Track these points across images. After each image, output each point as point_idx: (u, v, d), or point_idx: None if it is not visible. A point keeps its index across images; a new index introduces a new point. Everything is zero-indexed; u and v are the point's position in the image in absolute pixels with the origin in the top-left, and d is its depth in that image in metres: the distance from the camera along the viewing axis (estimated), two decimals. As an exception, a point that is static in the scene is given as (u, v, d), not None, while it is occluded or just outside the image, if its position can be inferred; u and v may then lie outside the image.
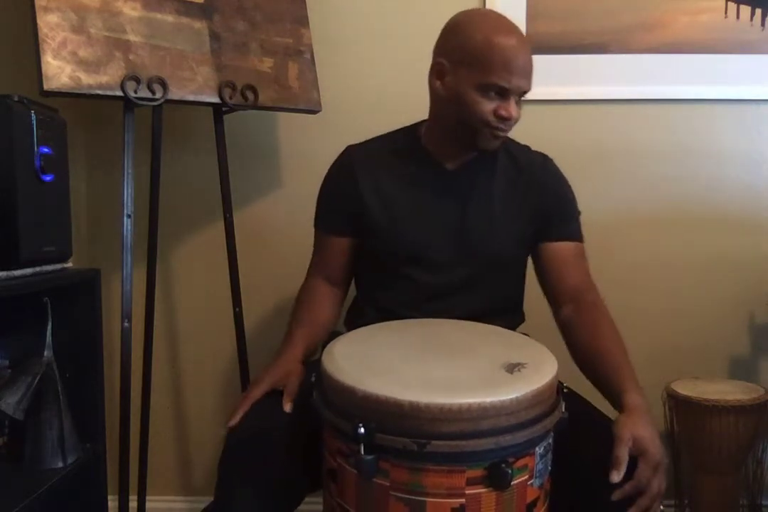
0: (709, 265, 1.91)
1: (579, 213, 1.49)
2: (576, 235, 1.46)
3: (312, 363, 1.40)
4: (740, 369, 1.92)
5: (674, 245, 1.92)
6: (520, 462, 0.91)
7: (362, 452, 0.89)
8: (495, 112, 1.31)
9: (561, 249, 1.44)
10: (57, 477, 1.43)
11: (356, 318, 1.48)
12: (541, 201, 1.44)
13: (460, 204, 1.42)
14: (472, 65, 1.31)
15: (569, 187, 1.49)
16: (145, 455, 1.75)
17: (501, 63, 1.28)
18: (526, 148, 1.52)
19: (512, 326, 1.45)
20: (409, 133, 1.48)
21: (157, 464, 1.91)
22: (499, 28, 1.31)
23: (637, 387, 1.16)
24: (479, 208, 1.42)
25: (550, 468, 0.99)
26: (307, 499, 1.21)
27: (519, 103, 1.32)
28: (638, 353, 1.90)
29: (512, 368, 0.99)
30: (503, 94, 1.29)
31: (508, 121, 1.31)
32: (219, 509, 1.12)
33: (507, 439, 0.89)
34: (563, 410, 1.00)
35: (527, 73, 1.29)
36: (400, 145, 1.47)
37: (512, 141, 1.50)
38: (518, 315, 1.51)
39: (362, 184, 1.42)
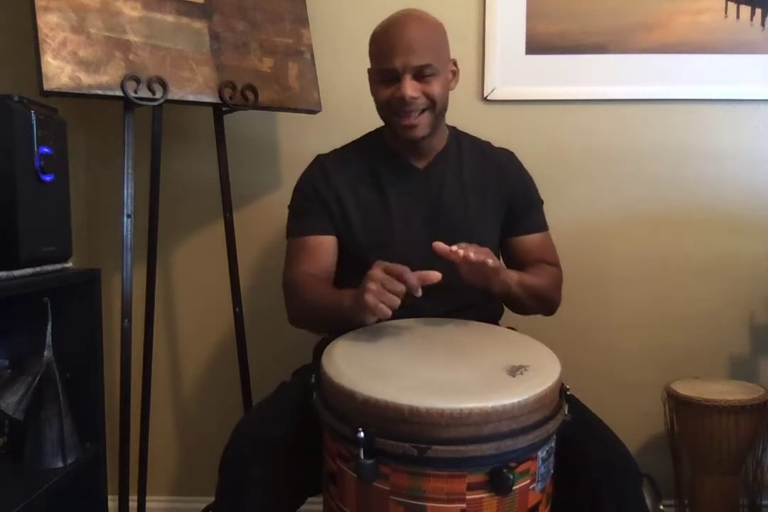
0: (709, 265, 1.91)
1: (542, 202, 1.53)
2: (542, 226, 1.51)
3: (311, 364, 1.40)
4: (740, 369, 1.92)
5: (674, 245, 1.92)
6: (522, 467, 0.91)
7: (362, 456, 0.89)
8: (392, 96, 1.31)
9: (529, 241, 1.48)
10: (57, 477, 1.42)
11: None
12: (507, 192, 1.47)
13: (434, 200, 1.43)
14: (370, 60, 1.36)
15: (531, 179, 1.53)
16: (145, 455, 1.74)
17: (380, 47, 1.31)
18: (489, 143, 1.54)
19: (493, 317, 1.47)
20: (376, 136, 1.50)
21: (157, 464, 1.91)
22: (389, 20, 1.34)
23: (515, 277, 1.30)
24: (452, 201, 1.43)
25: (552, 471, 0.99)
26: (308, 499, 1.22)
27: (428, 78, 1.30)
28: (638, 353, 1.94)
29: (514, 371, 0.98)
30: (395, 76, 1.30)
31: (404, 100, 1.30)
32: (221, 509, 1.12)
33: (508, 444, 0.89)
34: (566, 412, 1.00)
35: (409, 48, 1.27)
36: (369, 148, 1.48)
37: (473, 136, 1.53)
38: (497, 306, 1.50)
39: (338, 186, 1.43)
